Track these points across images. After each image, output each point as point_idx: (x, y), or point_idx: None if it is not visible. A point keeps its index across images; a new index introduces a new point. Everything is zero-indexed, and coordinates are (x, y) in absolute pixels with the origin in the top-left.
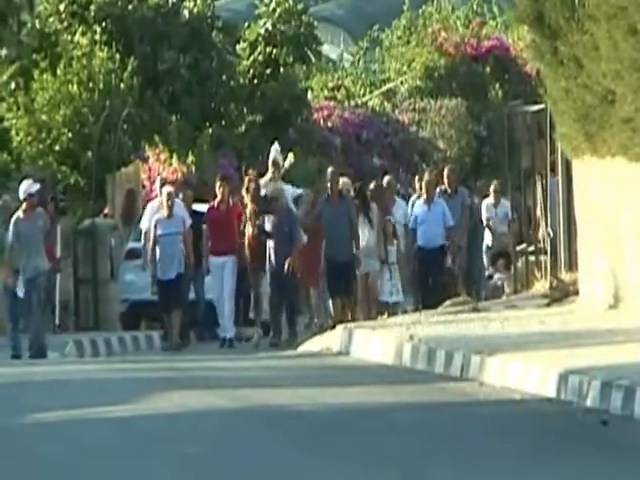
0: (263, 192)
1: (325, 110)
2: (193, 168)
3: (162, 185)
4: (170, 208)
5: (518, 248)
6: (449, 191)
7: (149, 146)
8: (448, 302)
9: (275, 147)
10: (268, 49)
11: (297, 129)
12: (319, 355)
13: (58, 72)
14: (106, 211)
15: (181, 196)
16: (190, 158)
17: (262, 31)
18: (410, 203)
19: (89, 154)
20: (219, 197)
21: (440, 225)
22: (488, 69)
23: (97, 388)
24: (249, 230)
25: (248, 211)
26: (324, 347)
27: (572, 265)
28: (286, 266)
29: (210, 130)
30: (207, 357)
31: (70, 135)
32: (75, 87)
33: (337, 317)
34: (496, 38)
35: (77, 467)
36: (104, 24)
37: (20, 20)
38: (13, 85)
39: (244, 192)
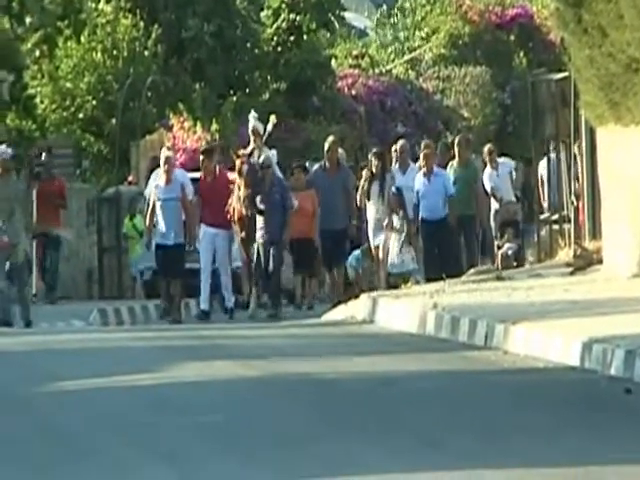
0: (252, 161)
1: (349, 78)
2: (217, 136)
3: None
4: (168, 173)
5: (541, 217)
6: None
7: (173, 114)
8: (472, 270)
9: (252, 114)
10: (292, 16)
11: (321, 97)
12: (343, 324)
13: (82, 40)
14: (130, 179)
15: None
16: (214, 126)
17: None
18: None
19: (113, 122)
20: (204, 171)
21: (441, 196)
22: (512, 37)
23: (120, 357)
24: (241, 210)
25: (242, 194)
26: (348, 315)
27: (596, 233)
28: (284, 237)
29: (234, 98)
30: (231, 326)
31: (94, 103)
32: (99, 55)
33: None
34: (520, 6)
35: (98, 436)
36: None
37: None
38: (37, 53)
39: (236, 174)
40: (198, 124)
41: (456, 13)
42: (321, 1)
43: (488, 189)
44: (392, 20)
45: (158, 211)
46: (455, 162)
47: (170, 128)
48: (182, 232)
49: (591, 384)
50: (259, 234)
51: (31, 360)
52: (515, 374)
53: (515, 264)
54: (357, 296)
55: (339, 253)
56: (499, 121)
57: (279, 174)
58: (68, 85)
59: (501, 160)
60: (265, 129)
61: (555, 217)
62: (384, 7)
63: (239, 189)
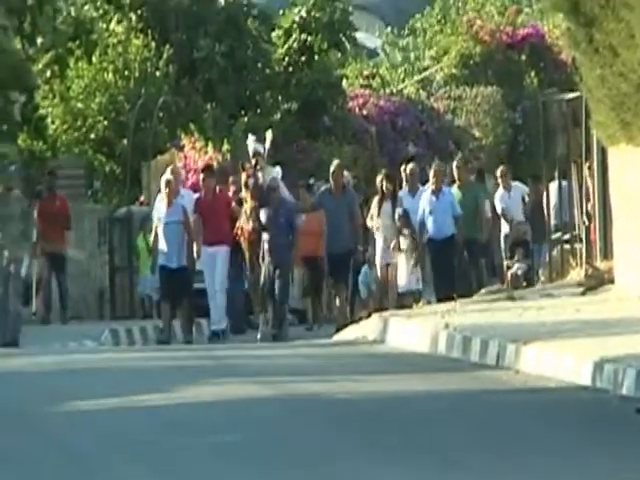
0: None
1: (360, 98)
2: (228, 156)
3: (202, 171)
4: (169, 196)
5: (553, 236)
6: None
7: (184, 134)
8: (483, 290)
9: (250, 138)
10: (303, 36)
11: (332, 117)
12: (354, 343)
13: (94, 60)
14: (141, 199)
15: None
16: (225, 146)
17: (297, 18)
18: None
19: (124, 142)
20: (203, 189)
21: (449, 215)
22: (524, 57)
23: (133, 377)
24: (249, 226)
25: (248, 207)
26: (359, 335)
27: (607, 253)
28: (287, 258)
29: (245, 118)
30: (244, 345)
31: (105, 123)
32: (111, 75)
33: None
34: (532, 26)
35: (111, 456)
36: (140, 12)
37: (55, 8)
38: (49, 73)
39: (243, 187)
40: (209, 144)
41: (467, 33)
42: (332, 21)
43: (499, 210)
44: (403, 40)
45: (160, 234)
46: (455, 185)
47: (181, 148)
48: (184, 255)
49: (602, 404)
50: (265, 256)
51: (44, 380)
52: (527, 394)
53: (525, 284)
54: (369, 315)
55: (344, 274)
56: (510, 141)
57: (286, 194)
58: (79, 105)
59: (515, 184)
60: (264, 148)
61: (567, 237)
62: (395, 28)
63: (246, 203)
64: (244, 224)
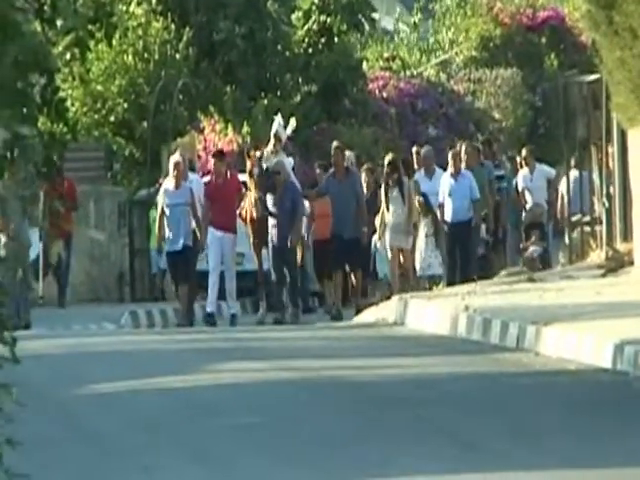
0: (265, 165)
1: (380, 80)
2: (248, 138)
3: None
4: (177, 178)
5: (573, 218)
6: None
7: (204, 116)
8: (504, 272)
9: (278, 119)
10: (322, 18)
11: (352, 99)
12: (375, 326)
13: (113, 43)
14: (161, 181)
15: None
16: (245, 128)
17: (316, 0)
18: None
19: (144, 124)
20: (214, 173)
21: (467, 198)
22: (543, 39)
23: (153, 359)
24: (252, 213)
25: (252, 196)
26: (379, 318)
27: (627, 235)
28: (289, 241)
29: (265, 100)
30: (264, 328)
31: (125, 105)
32: (130, 57)
33: (337, 292)
34: (552, 8)
35: (133, 437)
36: None
37: None
38: (69, 56)
39: (247, 176)
40: (229, 126)
41: (487, 15)
42: (351, 2)
43: (520, 190)
44: (416, 17)
45: (166, 216)
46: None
47: (201, 131)
48: (190, 236)
49: (623, 386)
50: (270, 240)
51: (65, 363)
52: (547, 376)
53: (541, 266)
54: (383, 298)
55: (355, 258)
56: (530, 123)
57: (293, 180)
58: (99, 88)
59: (539, 166)
60: (286, 134)
61: (586, 219)
62: (415, 10)
63: (251, 191)
64: (249, 209)
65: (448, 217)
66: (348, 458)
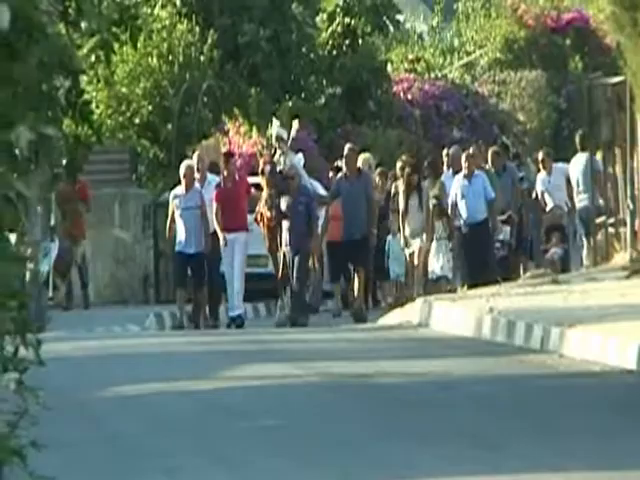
0: (278, 168)
1: (405, 82)
2: (272, 140)
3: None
4: (187, 182)
5: (597, 220)
6: (492, 170)
7: (229, 119)
8: (528, 274)
9: (275, 123)
10: (346, 20)
11: (376, 101)
12: (399, 327)
13: (138, 45)
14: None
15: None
16: (270, 131)
17: (340, 2)
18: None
19: (169, 127)
20: (225, 174)
21: (481, 199)
22: (568, 41)
23: (178, 361)
24: (266, 213)
25: (264, 195)
26: (404, 320)
27: None
28: (311, 245)
29: (290, 102)
30: (287, 330)
31: (150, 108)
32: (155, 60)
33: (355, 292)
34: (576, 10)
35: (156, 441)
36: None
37: None
38: (93, 58)
39: (259, 174)
40: (254, 129)
41: (512, 17)
42: (376, 5)
43: (539, 193)
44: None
45: (178, 220)
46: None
47: (226, 133)
48: (202, 241)
49: None
50: (284, 243)
51: (89, 365)
52: (571, 378)
53: (561, 269)
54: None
55: (363, 260)
56: (555, 125)
57: (306, 183)
58: (124, 90)
59: (557, 165)
60: (288, 134)
61: (611, 221)
62: (439, 12)
63: (262, 191)
64: (263, 210)
65: (463, 218)
66: (371, 460)
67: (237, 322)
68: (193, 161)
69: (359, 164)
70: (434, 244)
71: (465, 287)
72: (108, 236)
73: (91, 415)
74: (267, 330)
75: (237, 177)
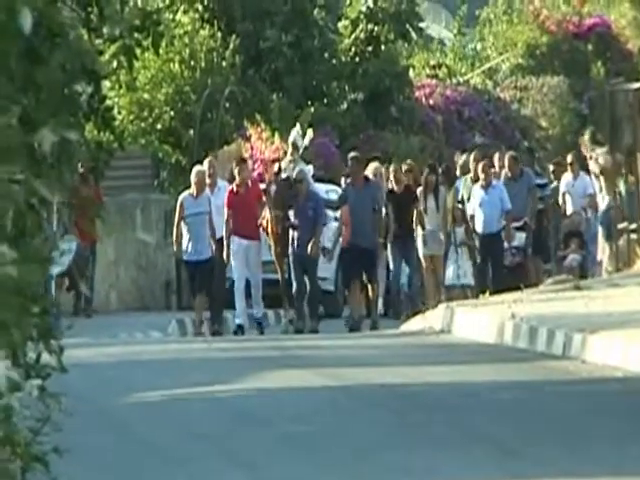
0: (284, 175)
1: (427, 88)
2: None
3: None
4: (197, 187)
5: (619, 226)
6: (509, 175)
7: (251, 124)
8: (550, 280)
9: (296, 129)
10: (369, 26)
11: (399, 107)
12: (421, 334)
13: (160, 51)
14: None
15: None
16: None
17: (363, 8)
18: (463, 185)
19: (191, 132)
20: (237, 180)
21: (498, 209)
22: (590, 47)
23: (200, 367)
24: (274, 228)
25: (272, 214)
26: (426, 326)
27: None
28: (309, 249)
29: (312, 108)
30: (309, 336)
31: (172, 113)
32: (177, 65)
33: (355, 301)
34: (598, 16)
35: (179, 446)
36: (206, 2)
37: None
38: (115, 64)
39: (264, 195)
40: (276, 135)
41: (533, 23)
42: (399, 11)
43: (561, 194)
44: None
45: (186, 225)
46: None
47: (248, 138)
48: (210, 246)
49: None
50: (291, 249)
51: (111, 371)
52: (594, 384)
53: (580, 275)
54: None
55: (371, 268)
56: (577, 131)
57: (314, 188)
58: (146, 96)
59: (582, 174)
60: (303, 143)
61: (632, 226)
62: (461, 18)
63: (270, 206)
64: (271, 223)
65: (479, 228)
66: (392, 466)
67: (259, 328)
68: (205, 166)
69: (369, 173)
70: (452, 250)
71: (487, 293)
72: (130, 242)
73: (114, 421)
74: (290, 336)
75: (249, 183)
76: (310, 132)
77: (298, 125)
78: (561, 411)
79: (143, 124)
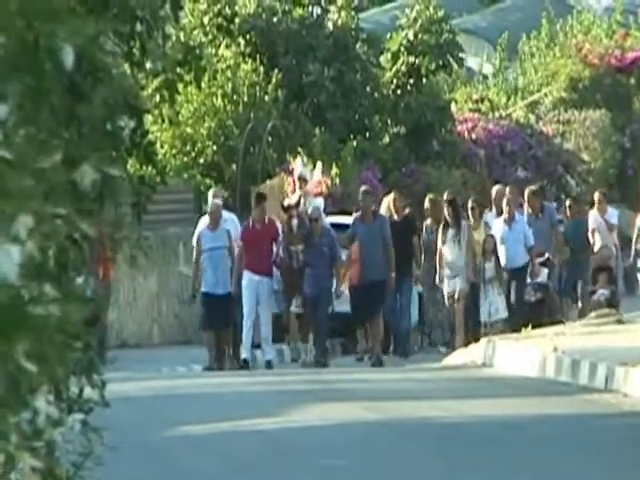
0: (286, 203)
1: (469, 122)
2: (337, 180)
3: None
4: (215, 221)
5: None
6: (530, 212)
7: (293, 158)
8: (592, 314)
9: (299, 161)
10: (410, 59)
11: (441, 141)
12: (462, 367)
13: (202, 85)
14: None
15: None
16: (334, 170)
17: (404, 41)
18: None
19: (234, 167)
20: (256, 216)
21: (521, 244)
22: (632, 80)
23: (242, 400)
24: (294, 265)
25: (295, 249)
26: (468, 360)
27: None
28: (334, 287)
29: (354, 142)
30: (351, 369)
31: (215, 148)
32: (219, 100)
33: (375, 337)
34: None
35: (225, 479)
36: (248, 37)
37: (165, 33)
38: (158, 98)
39: (285, 228)
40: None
41: (576, 56)
42: (439, 43)
43: (590, 231)
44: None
45: (204, 260)
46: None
47: (291, 172)
48: (229, 281)
49: None
50: (306, 286)
51: (154, 405)
52: (635, 417)
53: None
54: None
55: (377, 303)
56: (619, 164)
57: (327, 225)
58: (188, 130)
59: (611, 209)
60: (310, 175)
61: None
62: (503, 51)
63: (286, 241)
64: (283, 255)
65: (503, 263)
66: None
67: (269, 366)
68: (219, 200)
69: (383, 207)
70: (482, 286)
71: (529, 327)
72: (173, 276)
73: (157, 454)
74: (331, 370)
75: (266, 220)
76: (319, 165)
77: (299, 157)
78: (604, 444)
79: (186, 158)
